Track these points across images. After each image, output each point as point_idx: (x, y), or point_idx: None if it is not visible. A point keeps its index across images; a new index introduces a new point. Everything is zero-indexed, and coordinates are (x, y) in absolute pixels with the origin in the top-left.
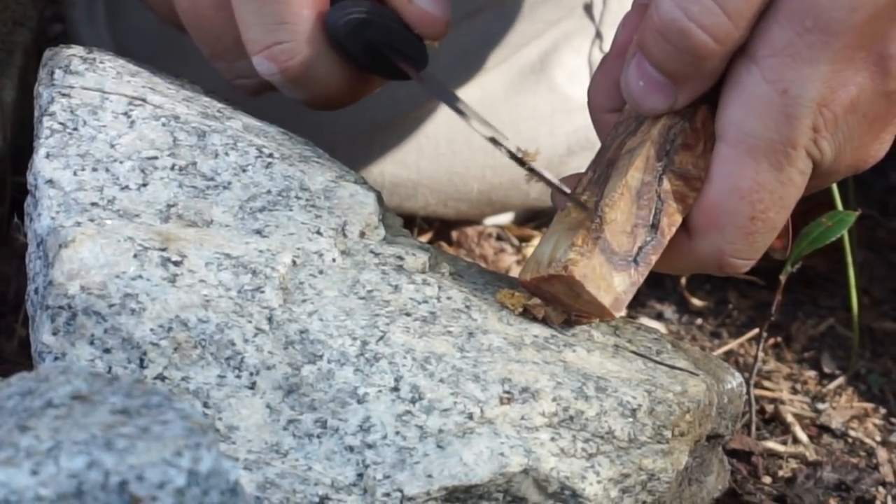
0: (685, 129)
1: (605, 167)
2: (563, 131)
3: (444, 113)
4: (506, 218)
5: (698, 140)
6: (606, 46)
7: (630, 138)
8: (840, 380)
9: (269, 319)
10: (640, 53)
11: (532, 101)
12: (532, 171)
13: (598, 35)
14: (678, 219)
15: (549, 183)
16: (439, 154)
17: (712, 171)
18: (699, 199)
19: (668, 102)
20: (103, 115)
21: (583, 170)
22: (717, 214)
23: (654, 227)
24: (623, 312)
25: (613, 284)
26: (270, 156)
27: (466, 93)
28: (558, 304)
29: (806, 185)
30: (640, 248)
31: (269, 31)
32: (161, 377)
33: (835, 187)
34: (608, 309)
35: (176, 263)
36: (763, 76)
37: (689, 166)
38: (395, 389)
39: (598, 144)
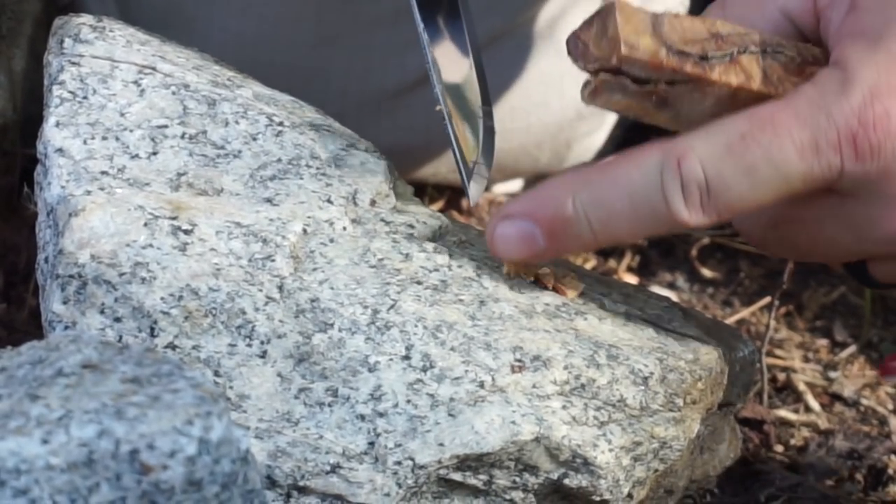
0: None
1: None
2: (571, 95)
3: None
4: (516, 185)
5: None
6: None
7: None
8: (852, 348)
9: (280, 288)
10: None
11: (541, 65)
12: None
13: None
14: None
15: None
16: None
17: None
18: None
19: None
20: (113, 83)
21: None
22: None
23: (715, 59)
24: (628, 52)
25: (640, 32)
26: (281, 124)
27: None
28: (585, 56)
29: None
30: (687, 53)
31: None
32: (172, 346)
33: None
34: (620, 41)
35: (186, 232)
36: None
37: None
38: (407, 358)
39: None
